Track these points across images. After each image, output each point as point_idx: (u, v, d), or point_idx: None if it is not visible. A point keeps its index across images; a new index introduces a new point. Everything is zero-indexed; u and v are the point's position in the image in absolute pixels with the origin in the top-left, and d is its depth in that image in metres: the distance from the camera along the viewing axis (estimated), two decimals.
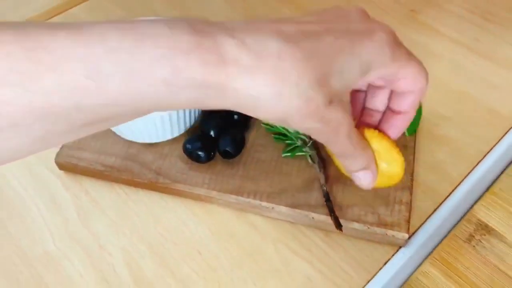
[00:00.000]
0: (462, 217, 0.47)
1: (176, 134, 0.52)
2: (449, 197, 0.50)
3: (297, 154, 0.49)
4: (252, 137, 0.52)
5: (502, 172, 0.50)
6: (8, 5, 0.74)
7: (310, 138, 0.51)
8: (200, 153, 0.49)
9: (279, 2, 0.73)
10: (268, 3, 0.73)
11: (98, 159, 0.51)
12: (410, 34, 0.67)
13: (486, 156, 0.53)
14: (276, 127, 0.51)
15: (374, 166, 0.33)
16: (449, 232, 0.46)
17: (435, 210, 0.49)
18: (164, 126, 0.50)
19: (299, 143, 0.50)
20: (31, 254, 0.47)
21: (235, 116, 0.52)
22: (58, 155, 0.52)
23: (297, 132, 0.50)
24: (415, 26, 0.68)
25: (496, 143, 0.54)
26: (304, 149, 0.49)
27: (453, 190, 0.50)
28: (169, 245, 0.48)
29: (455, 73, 0.61)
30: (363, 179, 0.33)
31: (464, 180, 0.51)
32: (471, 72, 0.62)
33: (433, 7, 0.70)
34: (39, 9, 0.73)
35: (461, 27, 0.67)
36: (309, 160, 0.49)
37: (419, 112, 0.51)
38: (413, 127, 0.51)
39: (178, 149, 0.51)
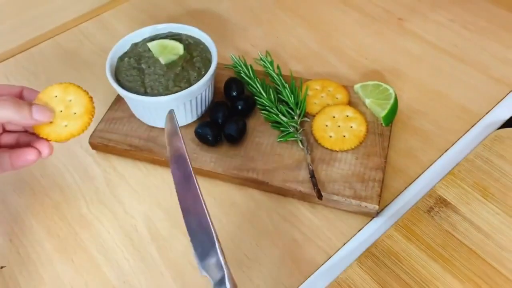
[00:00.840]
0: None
1: (189, 120, 0.62)
2: (418, 179, 0.59)
3: (289, 139, 0.59)
4: (253, 124, 0.62)
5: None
6: (44, 11, 0.85)
7: (301, 126, 0.60)
8: (209, 136, 0.59)
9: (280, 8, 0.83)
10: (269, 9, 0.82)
11: (125, 140, 0.62)
12: (397, 40, 0.76)
13: (453, 145, 0.62)
14: (273, 116, 0.61)
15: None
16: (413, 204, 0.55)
17: (405, 188, 0.58)
18: (180, 114, 0.60)
19: (291, 129, 0.59)
20: (69, 216, 0.58)
21: (239, 106, 0.62)
22: (91, 136, 0.62)
23: (291, 121, 0.59)
24: (402, 32, 0.77)
25: (463, 135, 0.63)
26: (295, 135, 0.59)
27: (421, 173, 0.59)
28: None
29: (433, 74, 0.70)
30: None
31: (432, 164, 0.60)
32: (448, 74, 0.70)
33: (418, 16, 0.79)
34: (72, 15, 0.84)
35: (441, 34, 0.76)
36: (300, 144, 0.59)
37: (394, 105, 0.60)
38: (389, 119, 0.61)
39: (191, 133, 0.61)
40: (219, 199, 0.58)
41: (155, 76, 0.58)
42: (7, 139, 0.48)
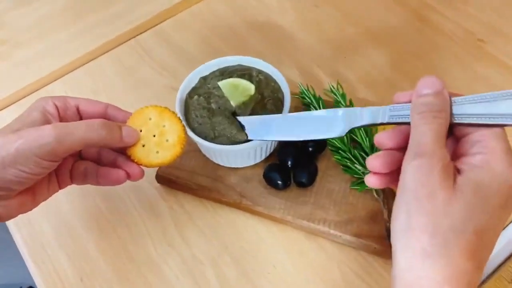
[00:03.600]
0: (507, 259, 0.53)
1: (258, 161, 0.60)
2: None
3: (364, 189, 0.56)
4: (323, 165, 0.60)
5: None
6: (100, 19, 0.83)
7: None
8: (278, 181, 0.57)
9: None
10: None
11: (191, 178, 0.60)
12: (475, 65, 0.71)
13: None
14: (346, 161, 0.58)
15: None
16: (494, 271, 0.52)
17: None
18: (249, 155, 0.58)
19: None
20: (137, 257, 0.58)
21: (310, 148, 0.59)
22: (158, 173, 0.61)
23: (364, 167, 0.57)
24: (481, 56, 0.72)
25: None
26: None
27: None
28: (249, 258, 0.57)
29: None
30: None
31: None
32: None
33: (501, 37, 0.73)
34: (129, 25, 0.81)
35: None
36: (374, 194, 0.56)
37: None
38: None
39: (259, 174, 0.59)
40: (287, 249, 0.57)
41: (225, 119, 0.55)
42: (91, 151, 0.50)
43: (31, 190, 0.45)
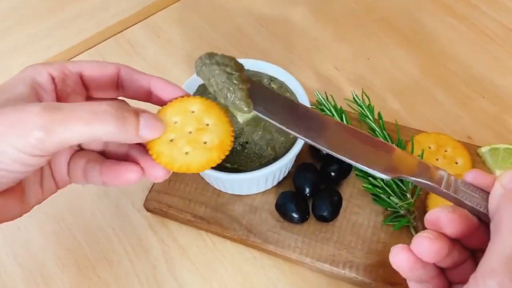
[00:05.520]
0: None
1: (269, 186, 0.49)
2: None
3: (401, 226, 0.46)
4: (348, 192, 0.50)
5: None
6: (82, 11, 0.71)
7: (414, 206, 0.47)
8: (294, 214, 0.47)
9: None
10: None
11: (187, 207, 0.50)
12: None
13: None
14: (377, 189, 0.48)
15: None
16: None
17: None
18: (259, 183, 0.47)
19: (402, 211, 0.46)
20: None
21: (332, 173, 0.49)
22: (147, 200, 0.51)
23: (400, 198, 0.46)
24: None
25: None
26: (408, 221, 0.46)
27: None
28: None
29: None
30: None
31: None
32: None
33: None
34: (116, 17, 0.70)
35: None
36: (412, 231, 0.46)
37: None
38: None
39: (270, 203, 0.49)
40: None
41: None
42: (93, 144, 0.36)
43: (17, 190, 0.33)
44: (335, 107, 0.53)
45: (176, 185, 0.51)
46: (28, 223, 0.52)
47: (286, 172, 0.50)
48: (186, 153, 0.33)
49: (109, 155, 0.36)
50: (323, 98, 0.54)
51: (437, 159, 0.50)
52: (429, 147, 0.51)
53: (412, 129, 0.53)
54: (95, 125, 0.29)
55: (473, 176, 0.32)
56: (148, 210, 0.51)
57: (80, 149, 0.36)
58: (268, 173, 0.44)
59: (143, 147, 0.34)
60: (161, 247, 0.51)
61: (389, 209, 0.47)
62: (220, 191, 0.50)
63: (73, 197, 0.54)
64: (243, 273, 0.48)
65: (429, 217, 0.31)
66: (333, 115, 0.52)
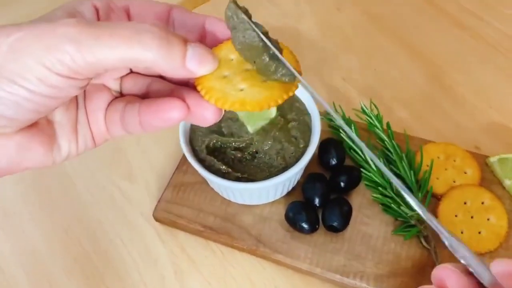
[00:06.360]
0: None
1: (278, 196, 0.49)
2: None
3: (411, 236, 0.46)
4: (357, 202, 0.49)
5: None
6: None
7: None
8: (304, 224, 0.47)
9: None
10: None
11: (197, 217, 0.50)
12: None
13: None
14: (387, 199, 0.48)
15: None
16: None
17: None
18: (268, 193, 0.47)
19: (412, 221, 0.46)
20: None
21: (342, 183, 0.49)
22: (156, 209, 0.51)
23: (412, 210, 0.46)
24: None
25: None
26: (419, 230, 0.46)
27: None
28: None
29: None
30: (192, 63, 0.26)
31: None
32: None
33: None
34: None
35: None
36: (423, 241, 0.46)
37: None
38: None
39: (279, 213, 0.49)
40: None
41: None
42: (135, 84, 0.31)
43: (45, 129, 0.28)
44: (343, 117, 0.53)
45: (185, 195, 0.51)
46: (36, 232, 0.52)
47: (296, 182, 0.50)
48: (241, 90, 0.28)
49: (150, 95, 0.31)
50: (332, 109, 0.54)
51: (446, 169, 0.50)
52: (438, 157, 0.51)
53: (421, 139, 0.53)
54: (136, 44, 0.24)
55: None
56: (157, 220, 0.51)
57: (120, 95, 0.31)
58: (278, 183, 0.44)
59: (192, 89, 0.29)
60: (170, 258, 0.50)
61: (399, 219, 0.47)
62: (229, 201, 0.50)
63: (81, 206, 0.54)
64: (252, 284, 0.48)
65: (436, 275, 0.28)
66: (342, 125, 0.52)
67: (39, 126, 0.27)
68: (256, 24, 0.28)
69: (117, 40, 0.24)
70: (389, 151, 0.50)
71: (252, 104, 0.27)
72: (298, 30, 0.69)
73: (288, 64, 0.28)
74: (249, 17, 0.28)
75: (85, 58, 0.24)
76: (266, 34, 0.28)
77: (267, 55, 0.28)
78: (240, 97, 0.27)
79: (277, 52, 0.28)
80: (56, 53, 0.23)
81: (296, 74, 0.28)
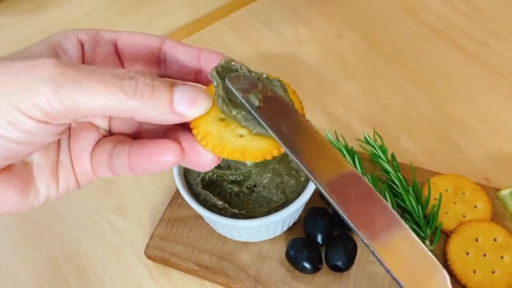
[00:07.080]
0: None
1: (278, 233, 0.46)
2: None
3: None
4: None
5: None
6: (149, 16, 0.73)
7: (433, 253, 0.44)
8: (305, 263, 0.44)
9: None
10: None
11: (191, 255, 0.47)
12: None
13: None
14: None
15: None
16: None
17: None
18: (268, 230, 0.44)
19: None
20: None
21: None
22: (148, 246, 0.48)
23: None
24: None
25: None
26: None
27: None
28: None
29: None
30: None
31: None
32: None
33: None
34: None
35: None
36: None
37: None
38: None
39: (279, 251, 0.46)
40: None
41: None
42: (125, 123, 0.29)
43: (19, 173, 0.26)
44: (346, 147, 0.51)
45: (179, 231, 0.48)
46: (21, 270, 0.49)
47: (297, 217, 0.47)
48: (241, 136, 0.25)
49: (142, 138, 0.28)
50: (333, 139, 0.52)
51: (455, 203, 0.47)
52: (446, 190, 0.48)
53: (428, 171, 0.51)
54: (118, 91, 0.22)
55: None
56: (149, 257, 0.48)
57: (109, 134, 0.29)
58: (278, 220, 0.41)
59: (187, 129, 0.26)
60: None
61: None
62: (226, 237, 0.47)
63: (70, 242, 0.51)
64: None
65: None
66: (344, 155, 0.50)
67: (13, 170, 0.25)
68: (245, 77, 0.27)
69: (98, 86, 0.22)
70: (395, 183, 0.48)
71: (254, 153, 0.25)
72: (298, 56, 0.67)
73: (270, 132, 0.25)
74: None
75: (63, 102, 0.22)
76: (262, 77, 0.28)
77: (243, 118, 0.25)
78: (240, 144, 0.25)
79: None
80: (32, 95, 0.22)
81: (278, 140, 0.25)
